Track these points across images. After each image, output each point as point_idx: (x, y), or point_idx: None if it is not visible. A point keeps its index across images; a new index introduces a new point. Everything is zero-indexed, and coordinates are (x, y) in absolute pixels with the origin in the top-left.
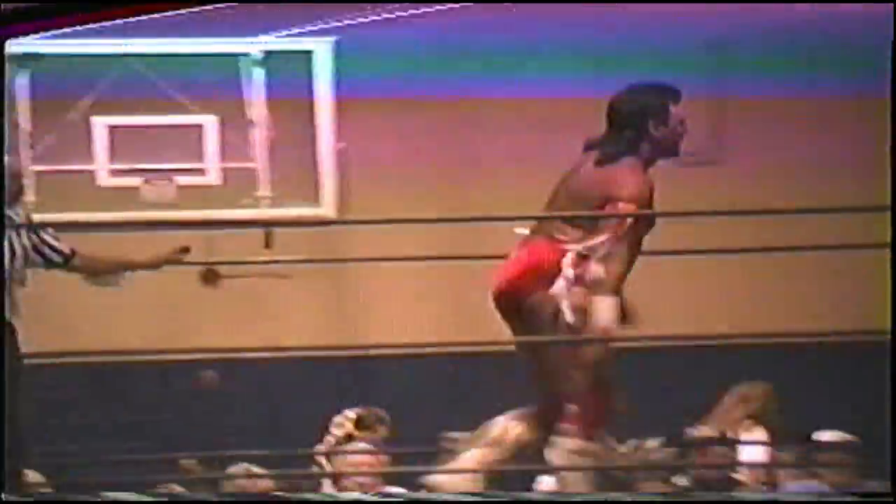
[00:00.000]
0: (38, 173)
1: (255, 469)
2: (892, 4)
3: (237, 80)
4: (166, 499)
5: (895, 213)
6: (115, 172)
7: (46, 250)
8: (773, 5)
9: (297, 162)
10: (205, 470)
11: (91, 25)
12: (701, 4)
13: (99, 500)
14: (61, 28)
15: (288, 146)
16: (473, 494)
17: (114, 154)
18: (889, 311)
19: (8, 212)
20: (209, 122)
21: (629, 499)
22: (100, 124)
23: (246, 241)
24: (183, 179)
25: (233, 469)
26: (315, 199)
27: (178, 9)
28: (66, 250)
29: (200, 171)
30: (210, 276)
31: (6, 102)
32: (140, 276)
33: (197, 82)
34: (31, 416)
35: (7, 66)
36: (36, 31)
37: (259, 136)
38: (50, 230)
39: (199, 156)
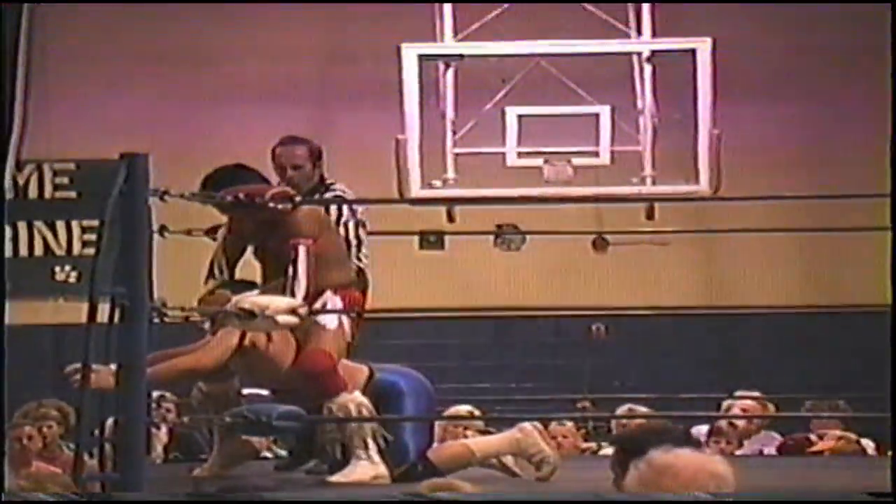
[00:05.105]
0: (456, 155)
1: (639, 409)
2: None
3: (628, 74)
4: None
5: (894, 207)
6: (522, 154)
7: None
8: None
9: (677, 145)
10: (596, 409)
11: None
12: None
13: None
14: None
15: (670, 131)
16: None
17: (521, 138)
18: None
19: None
20: (603, 111)
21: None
22: (511, 113)
23: (630, 214)
24: (578, 161)
25: (619, 410)
26: (694, 177)
27: None
28: None
29: (594, 154)
30: (600, 243)
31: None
32: (541, 243)
33: (594, 77)
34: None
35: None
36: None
37: (645, 123)
38: None
39: (593, 140)
